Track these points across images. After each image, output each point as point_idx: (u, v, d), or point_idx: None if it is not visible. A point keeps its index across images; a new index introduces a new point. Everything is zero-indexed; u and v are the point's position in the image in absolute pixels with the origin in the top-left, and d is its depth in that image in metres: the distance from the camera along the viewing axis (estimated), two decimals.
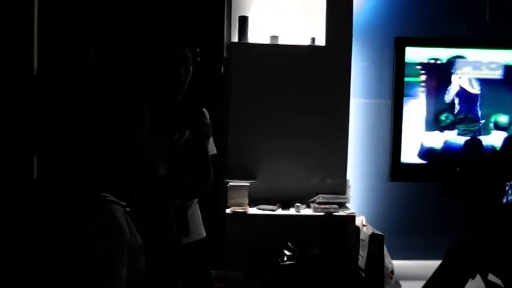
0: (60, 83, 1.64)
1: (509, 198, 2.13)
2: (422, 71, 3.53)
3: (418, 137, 3.56)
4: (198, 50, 3.89)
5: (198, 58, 3.91)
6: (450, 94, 3.54)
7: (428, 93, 3.54)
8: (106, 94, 1.50)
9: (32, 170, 2.99)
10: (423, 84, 3.53)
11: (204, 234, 2.54)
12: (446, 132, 3.55)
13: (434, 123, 3.55)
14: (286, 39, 3.52)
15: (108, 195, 1.46)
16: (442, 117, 3.54)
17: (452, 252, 2.21)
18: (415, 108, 3.55)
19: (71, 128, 1.47)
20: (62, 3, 3.37)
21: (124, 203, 1.49)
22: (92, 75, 1.58)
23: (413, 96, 3.53)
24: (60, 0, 3.38)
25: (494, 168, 1.74)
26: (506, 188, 2.13)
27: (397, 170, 3.55)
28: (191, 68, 2.37)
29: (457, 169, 1.71)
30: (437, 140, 3.56)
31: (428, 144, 3.56)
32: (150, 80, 2.29)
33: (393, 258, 3.36)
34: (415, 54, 3.52)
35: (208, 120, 2.41)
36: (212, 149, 2.61)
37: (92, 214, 1.41)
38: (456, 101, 3.55)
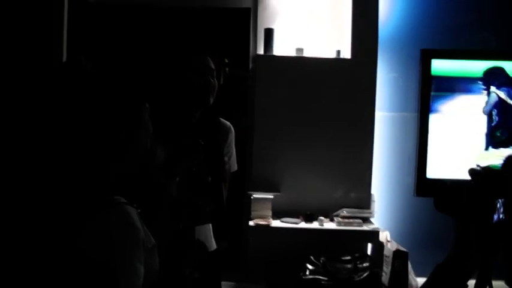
0: (57, 90, 1.66)
1: (501, 215, 2.09)
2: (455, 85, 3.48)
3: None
4: (226, 61, 3.93)
5: (227, 69, 3.95)
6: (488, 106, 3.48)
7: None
8: (103, 99, 1.52)
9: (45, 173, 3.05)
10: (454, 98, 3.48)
11: (215, 247, 2.54)
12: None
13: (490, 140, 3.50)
14: (311, 51, 3.51)
15: (121, 198, 1.48)
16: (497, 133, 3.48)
17: (440, 268, 2.17)
18: (444, 122, 3.49)
19: (72, 132, 1.49)
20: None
21: (135, 205, 1.51)
22: (88, 82, 1.59)
23: (440, 110, 3.49)
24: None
25: (486, 184, 1.70)
26: (498, 205, 2.09)
27: (422, 185, 3.50)
28: (215, 81, 2.40)
29: (448, 184, 1.68)
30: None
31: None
32: (181, 94, 2.33)
33: (418, 275, 3.30)
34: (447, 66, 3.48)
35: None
36: (234, 166, 2.61)
37: (108, 214, 1.44)
38: (494, 112, 3.49)
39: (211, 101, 2.44)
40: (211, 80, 2.41)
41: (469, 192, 1.93)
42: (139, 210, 1.53)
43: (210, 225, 2.53)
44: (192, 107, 2.38)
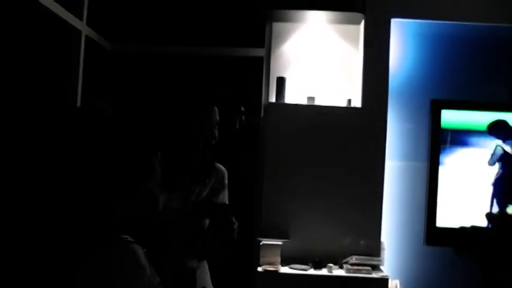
0: (77, 129, 1.71)
1: None
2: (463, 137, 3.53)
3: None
4: (242, 109, 4.01)
5: (243, 116, 4.02)
6: (493, 158, 3.50)
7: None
8: (122, 143, 1.57)
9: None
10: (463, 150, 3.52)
11: None
12: None
13: None
14: (322, 100, 3.58)
15: (128, 236, 1.52)
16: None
17: None
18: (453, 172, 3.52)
19: (87, 170, 1.54)
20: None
21: (142, 245, 1.55)
22: (108, 125, 1.65)
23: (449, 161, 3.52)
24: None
25: (505, 228, 1.69)
26: None
27: (432, 234, 3.49)
28: (216, 131, 2.45)
29: (467, 230, 1.68)
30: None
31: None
32: (183, 140, 2.37)
33: None
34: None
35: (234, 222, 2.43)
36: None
37: (113, 252, 1.46)
38: (498, 165, 3.51)
39: (210, 152, 2.47)
40: (214, 131, 2.44)
41: (488, 236, 1.92)
42: (145, 250, 1.56)
43: (207, 269, 2.53)
44: (190, 155, 2.40)
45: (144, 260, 1.50)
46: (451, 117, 3.54)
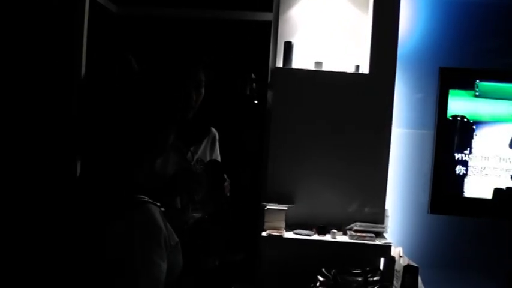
0: (105, 87, 1.71)
1: None
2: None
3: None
4: (253, 76, 3.98)
5: (254, 84, 3.99)
6: None
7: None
8: (147, 99, 1.58)
9: (75, 171, 3.15)
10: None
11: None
12: None
13: None
14: (330, 65, 3.55)
15: (145, 196, 1.53)
16: None
17: None
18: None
19: (112, 130, 1.55)
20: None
21: (159, 204, 1.56)
22: (135, 81, 1.66)
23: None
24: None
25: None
26: None
27: (437, 203, 3.49)
28: (203, 91, 2.40)
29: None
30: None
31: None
32: (164, 102, 2.34)
33: None
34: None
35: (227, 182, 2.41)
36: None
37: (131, 213, 1.48)
38: None
39: (191, 113, 2.42)
40: (195, 92, 2.36)
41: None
42: (163, 209, 1.57)
43: None
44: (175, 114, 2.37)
45: (160, 220, 1.52)
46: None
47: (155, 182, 2.26)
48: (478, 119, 3.51)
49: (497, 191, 3.02)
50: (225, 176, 2.35)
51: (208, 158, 2.50)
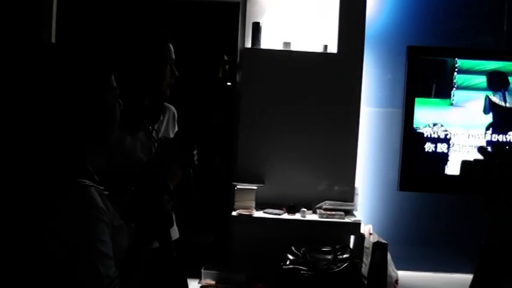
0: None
1: None
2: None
3: None
4: (226, 58, 3.97)
5: (227, 66, 3.99)
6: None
7: None
8: (64, 75, 1.55)
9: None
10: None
11: (177, 235, 2.57)
12: None
13: None
14: (299, 45, 3.55)
15: (86, 180, 1.53)
16: None
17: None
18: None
19: (45, 114, 1.53)
20: None
21: (102, 187, 1.55)
22: (51, 56, 1.62)
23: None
24: None
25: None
26: None
27: (406, 180, 3.51)
28: (173, 69, 2.40)
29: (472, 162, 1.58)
30: None
31: None
32: (136, 81, 2.33)
33: (400, 268, 3.33)
34: None
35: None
36: None
37: (71, 197, 1.48)
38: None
39: (165, 89, 2.39)
40: (171, 69, 2.38)
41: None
42: (106, 193, 1.57)
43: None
44: (142, 94, 2.37)
45: (101, 203, 1.51)
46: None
47: (127, 162, 2.26)
48: None
49: (464, 164, 3.02)
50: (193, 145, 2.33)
51: (171, 135, 2.51)
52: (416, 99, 3.50)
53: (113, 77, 1.63)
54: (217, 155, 3.93)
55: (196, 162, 2.26)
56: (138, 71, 2.31)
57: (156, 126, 2.42)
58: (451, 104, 3.46)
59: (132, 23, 3.77)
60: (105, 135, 1.65)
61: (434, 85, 3.50)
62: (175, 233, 2.55)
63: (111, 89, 1.62)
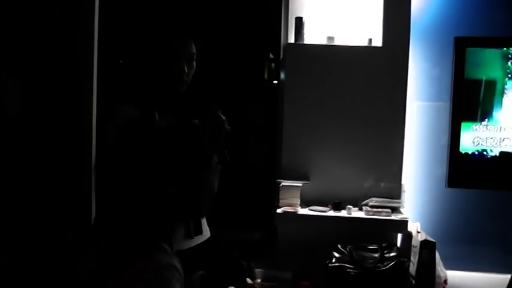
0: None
1: None
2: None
3: None
4: (271, 56, 3.94)
5: (273, 64, 3.95)
6: None
7: None
8: None
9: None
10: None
11: (209, 235, 2.53)
12: None
13: None
14: (342, 40, 3.49)
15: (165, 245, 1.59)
16: None
17: None
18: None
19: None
20: None
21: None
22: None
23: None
24: None
25: None
26: None
27: (455, 176, 3.43)
28: (195, 64, 2.35)
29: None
30: None
31: None
32: (153, 76, 2.30)
33: (449, 268, 3.25)
34: None
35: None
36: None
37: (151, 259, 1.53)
38: None
39: (176, 86, 2.38)
40: (189, 64, 2.28)
41: None
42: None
43: None
44: (162, 91, 2.34)
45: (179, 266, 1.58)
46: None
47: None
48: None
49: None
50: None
51: None
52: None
53: None
54: (260, 153, 3.91)
55: (227, 147, 2.22)
56: (148, 67, 2.28)
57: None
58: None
59: (170, 21, 3.77)
60: None
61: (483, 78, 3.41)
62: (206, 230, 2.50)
63: None
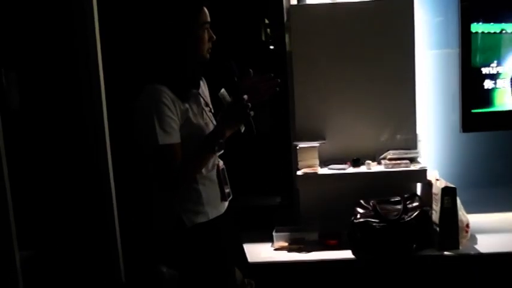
0: None
1: None
2: None
3: None
4: (266, 21, 3.90)
5: (268, 29, 3.92)
6: None
7: None
8: None
9: None
10: None
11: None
12: None
13: None
14: None
15: None
16: None
17: None
18: None
19: None
20: None
21: None
22: None
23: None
24: None
25: None
26: None
27: (468, 120, 3.46)
28: (212, 34, 2.36)
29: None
30: None
31: None
32: (175, 47, 2.28)
33: (468, 212, 3.30)
34: None
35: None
36: None
37: None
38: None
39: (204, 54, 2.32)
40: (203, 32, 2.29)
41: None
42: None
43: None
44: (183, 61, 2.30)
45: None
46: None
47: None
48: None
49: None
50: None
51: (209, 100, 2.51)
52: (473, 34, 3.43)
53: None
54: (273, 118, 3.91)
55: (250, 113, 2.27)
56: (176, 37, 2.28)
57: (200, 91, 2.39)
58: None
59: None
60: None
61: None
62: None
63: None
